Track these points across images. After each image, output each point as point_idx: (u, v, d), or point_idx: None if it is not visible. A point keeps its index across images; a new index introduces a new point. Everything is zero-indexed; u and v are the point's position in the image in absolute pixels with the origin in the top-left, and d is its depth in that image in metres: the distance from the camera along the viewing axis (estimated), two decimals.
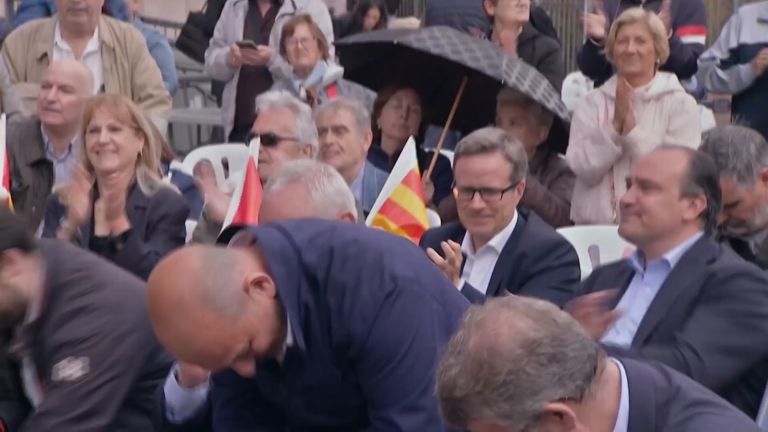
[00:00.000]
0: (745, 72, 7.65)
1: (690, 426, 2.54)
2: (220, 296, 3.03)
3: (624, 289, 4.37)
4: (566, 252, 4.94)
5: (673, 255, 4.32)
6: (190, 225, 5.77)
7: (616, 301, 4.32)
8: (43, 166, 6.27)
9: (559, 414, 2.55)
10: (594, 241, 6.08)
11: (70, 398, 3.84)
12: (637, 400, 2.60)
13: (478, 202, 4.90)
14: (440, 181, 6.85)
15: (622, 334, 4.23)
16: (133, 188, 5.41)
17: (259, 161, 5.45)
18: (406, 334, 3.16)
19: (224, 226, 5.39)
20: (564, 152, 6.93)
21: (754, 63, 7.60)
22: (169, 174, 6.19)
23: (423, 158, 6.91)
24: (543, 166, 6.98)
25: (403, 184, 5.76)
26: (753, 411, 4.22)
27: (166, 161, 6.35)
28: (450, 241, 4.72)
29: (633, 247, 4.55)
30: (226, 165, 7.81)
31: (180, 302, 3.02)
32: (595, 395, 2.59)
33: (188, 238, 5.68)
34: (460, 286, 4.65)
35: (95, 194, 5.35)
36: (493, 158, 4.93)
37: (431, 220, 6.38)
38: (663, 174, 4.32)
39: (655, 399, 2.60)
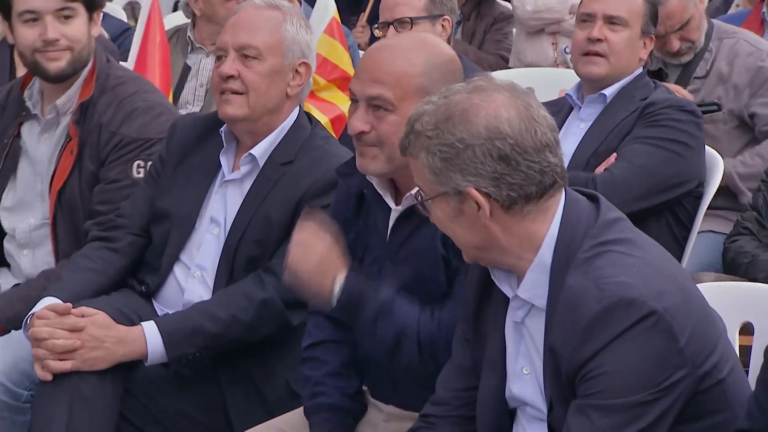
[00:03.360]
0: None
1: (596, 262, 2.57)
2: (434, 74, 3.04)
3: (560, 127, 4.38)
4: None
5: (611, 90, 4.35)
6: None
7: None
8: None
9: (477, 201, 2.59)
10: (530, 82, 6.02)
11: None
12: (565, 231, 2.63)
13: (391, 33, 4.95)
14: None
15: None
16: None
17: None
18: None
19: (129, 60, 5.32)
20: None
21: None
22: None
23: (359, 1, 6.82)
24: (476, 12, 6.91)
25: (326, 34, 5.64)
26: (680, 245, 4.28)
27: None
28: None
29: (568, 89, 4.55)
30: None
31: (416, 41, 3.15)
32: (527, 215, 2.61)
33: None
34: None
35: None
36: None
37: None
38: (629, 10, 4.35)
39: (584, 233, 2.62)
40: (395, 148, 2.96)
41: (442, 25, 5.03)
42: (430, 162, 2.61)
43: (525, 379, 2.72)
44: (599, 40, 4.33)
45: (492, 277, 2.74)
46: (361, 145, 3.06)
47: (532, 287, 2.65)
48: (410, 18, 4.95)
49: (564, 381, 2.58)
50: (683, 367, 2.53)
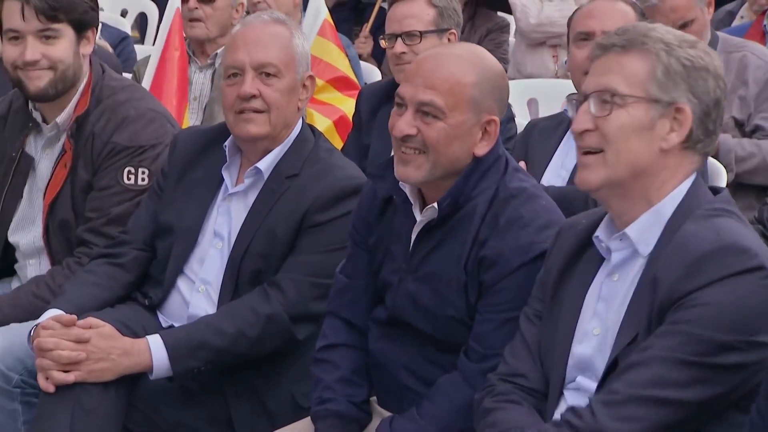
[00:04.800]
0: None
1: (713, 219, 2.65)
2: (485, 86, 3.08)
3: (560, 141, 4.37)
4: None
5: None
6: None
7: (551, 153, 4.32)
8: None
9: (680, 123, 2.67)
10: (533, 94, 6.06)
11: (130, 203, 3.88)
12: (692, 193, 2.72)
13: (399, 46, 4.92)
14: (380, 35, 6.76)
15: (555, 182, 4.24)
16: None
17: (192, 19, 5.40)
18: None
19: (147, 74, 5.32)
20: (494, 8, 6.89)
21: None
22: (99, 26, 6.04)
23: (362, 11, 6.82)
24: (470, 24, 6.91)
25: (319, 36, 5.64)
26: None
27: None
28: None
29: None
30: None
31: (470, 52, 3.15)
32: (685, 165, 2.71)
33: None
34: None
35: None
36: (416, 3, 4.95)
37: (371, 74, 6.33)
38: (625, 24, 4.30)
39: (706, 201, 2.72)
40: (440, 155, 3.01)
41: (449, 39, 5.01)
42: (669, 63, 2.69)
43: (592, 339, 2.74)
44: None
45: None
46: (405, 151, 3.07)
47: (641, 230, 2.71)
48: (419, 31, 4.94)
49: (654, 317, 2.60)
50: None
